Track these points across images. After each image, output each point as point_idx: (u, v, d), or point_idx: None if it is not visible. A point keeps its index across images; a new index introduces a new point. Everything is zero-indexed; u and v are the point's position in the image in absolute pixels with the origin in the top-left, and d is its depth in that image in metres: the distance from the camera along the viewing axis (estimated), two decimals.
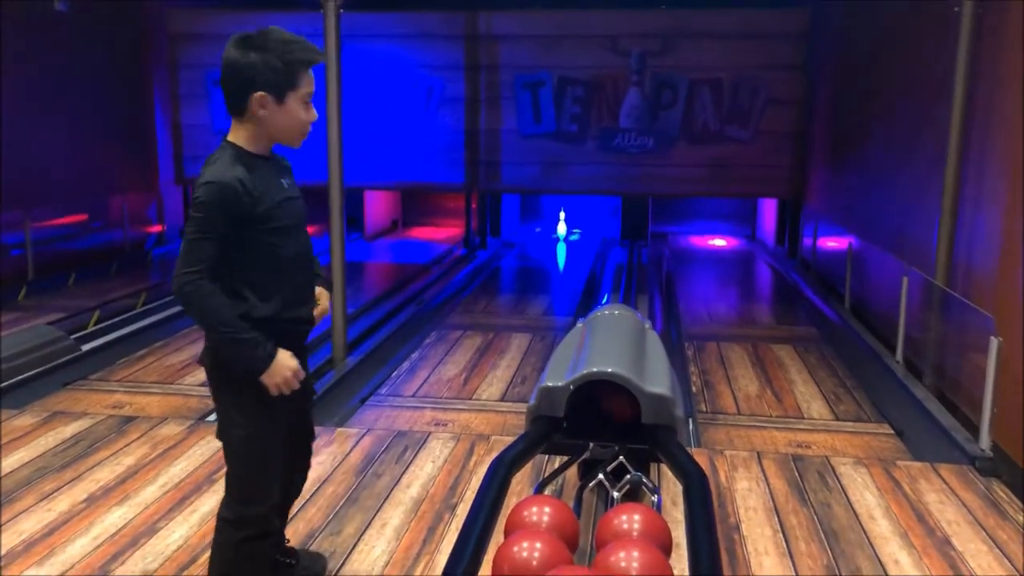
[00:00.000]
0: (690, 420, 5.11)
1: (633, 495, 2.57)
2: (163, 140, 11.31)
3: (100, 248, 9.89)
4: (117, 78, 10.41)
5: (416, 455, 4.55)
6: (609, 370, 2.53)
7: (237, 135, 2.45)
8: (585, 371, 2.55)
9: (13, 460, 4.44)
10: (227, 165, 2.37)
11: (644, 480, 2.37)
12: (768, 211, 12.14)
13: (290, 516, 3.80)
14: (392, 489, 4.13)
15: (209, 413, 5.20)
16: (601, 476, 2.42)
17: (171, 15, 10.87)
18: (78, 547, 3.56)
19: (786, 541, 3.68)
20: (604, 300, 8.44)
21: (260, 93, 2.38)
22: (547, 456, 4.05)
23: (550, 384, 2.60)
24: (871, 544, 3.67)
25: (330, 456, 4.51)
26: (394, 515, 3.87)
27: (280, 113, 2.43)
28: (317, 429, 4.81)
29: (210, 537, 3.61)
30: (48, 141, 8.99)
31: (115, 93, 10.38)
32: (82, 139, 9.61)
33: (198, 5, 11.22)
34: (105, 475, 4.25)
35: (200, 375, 5.93)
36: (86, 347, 6.43)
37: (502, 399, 5.58)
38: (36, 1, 8.73)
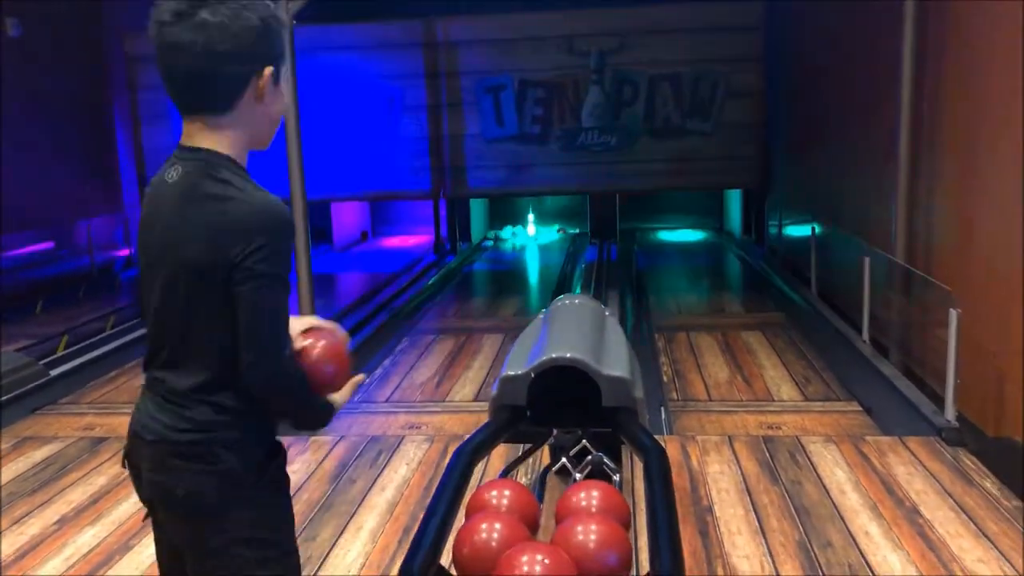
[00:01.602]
0: (662, 408, 5.15)
1: (597, 477, 2.61)
2: (126, 163, 11.24)
3: (68, 274, 9.81)
4: (77, 102, 10.34)
5: (390, 459, 4.56)
6: (568, 355, 2.56)
7: (222, 140, 1.72)
8: (544, 357, 2.58)
9: None
10: (256, 186, 1.72)
11: (605, 460, 2.40)
12: (734, 203, 12.25)
13: None
14: (367, 493, 4.14)
15: None
16: (564, 460, 2.45)
17: (127, 37, 10.79)
18: (50, 568, 3.54)
19: (758, 519, 3.72)
20: None
21: (269, 69, 1.72)
22: (522, 446, 4.08)
23: (511, 373, 2.62)
24: (841, 518, 3.72)
25: (304, 464, 4.51)
26: (369, 518, 3.88)
27: (278, 97, 1.78)
28: (290, 439, 4.82)
29: None
30: (9, 169, 8.92)
31: (76, 118, 10.31)
32: (44, 166, 9.54)
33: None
34: (77, 496, 4.23)
35: None
36: (55, 372, 6.37)
37: (475, 399, 5.60)
38: None
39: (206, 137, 1.71)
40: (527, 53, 10.38)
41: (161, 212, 1.72)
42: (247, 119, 1.74)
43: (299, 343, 1.77)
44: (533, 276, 10.82)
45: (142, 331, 7.45)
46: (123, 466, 1.85)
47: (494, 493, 1.99)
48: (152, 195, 1.77)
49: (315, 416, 1.82)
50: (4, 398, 5.68)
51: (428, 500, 3.99)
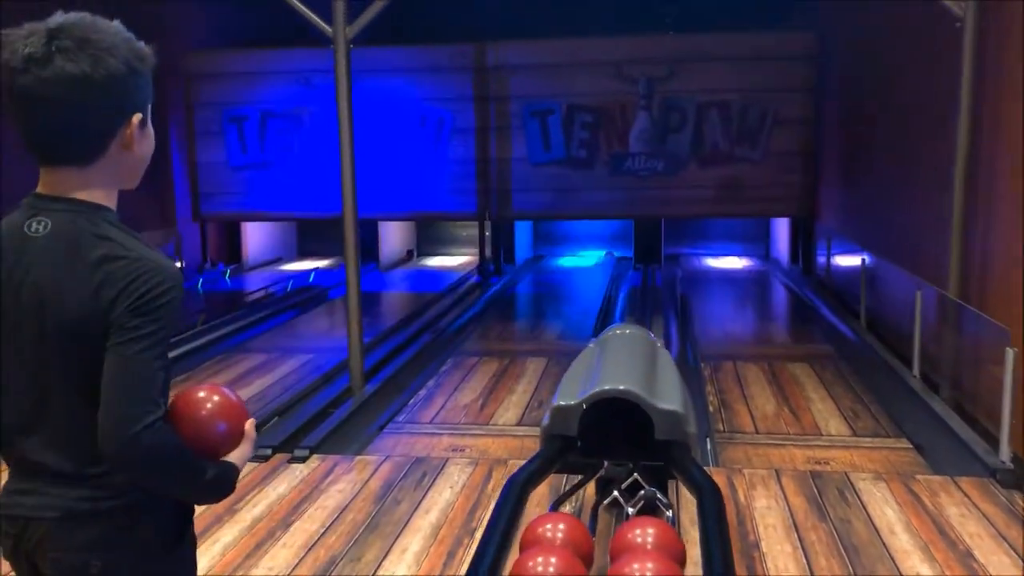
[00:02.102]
0: (708, 439, 5.11)
1: (649, 512, 2.59)
2: (179, 178, 11.48)
3: None
4: None
5: (434, 481, 4.58)
6: (621, 387, 2.56)
7: (92, 189, 1.59)
8: (597, 389, 2.58)
9: None
10: (138, 241, 1.59)
11: (658, 496, 2.39)
12: (781, 230, 12.14)
13: (311, 544, 3.85)
14: (411, 515, 4.16)
15: None
16: (616, 493, 2.45)
17: (186, 56, 11.08)
18: None
19: (806, 557, 3.67)
20: (619, 322, 8.46)
21: (138, 115, 1.60)
22: (566, 476, 4.07)
23: (562, 403, 2.63)
24: (892, 558, 3.66)
25: (350, 484, 4.54)
26: (414, 541, 3.90)
27: (146, 139, 1.66)
28: (336, 457, 4.87)
29: (231, 568, 3.66)
30: None
31: None
32: None
33: (211, 45, 11.43)
34: None
35: None
36: None
37: (519, 423, 5.60)
38: None
39: (73, 187, 1.57)
40: (576, 78, 10.45)
41: (26, 269, 1.55)
42: (115, 167, 1.61)
43: (185, 400, 1.61)
44: (577, 300, 10.81)
45: (195, 343, 7.64)
46: (9, 558, 1.64)
47: (548, 526, 1.99)
48: (7, 248, 1.57)
49: (208, 488, 1.59)
50: None
51: (472, 524, 4.02)
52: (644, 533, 1.96)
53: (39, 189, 1.60)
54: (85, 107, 1.52)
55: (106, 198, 1.60)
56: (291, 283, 11.01)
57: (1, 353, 1.59)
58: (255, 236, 12.56)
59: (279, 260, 13.08)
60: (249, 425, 1.68)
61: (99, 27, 1.55)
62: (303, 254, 13.45)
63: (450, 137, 10.82)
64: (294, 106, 10.96)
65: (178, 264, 11.35)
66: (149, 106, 1.65)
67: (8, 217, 1.61)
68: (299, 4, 5.82)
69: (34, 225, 1.56)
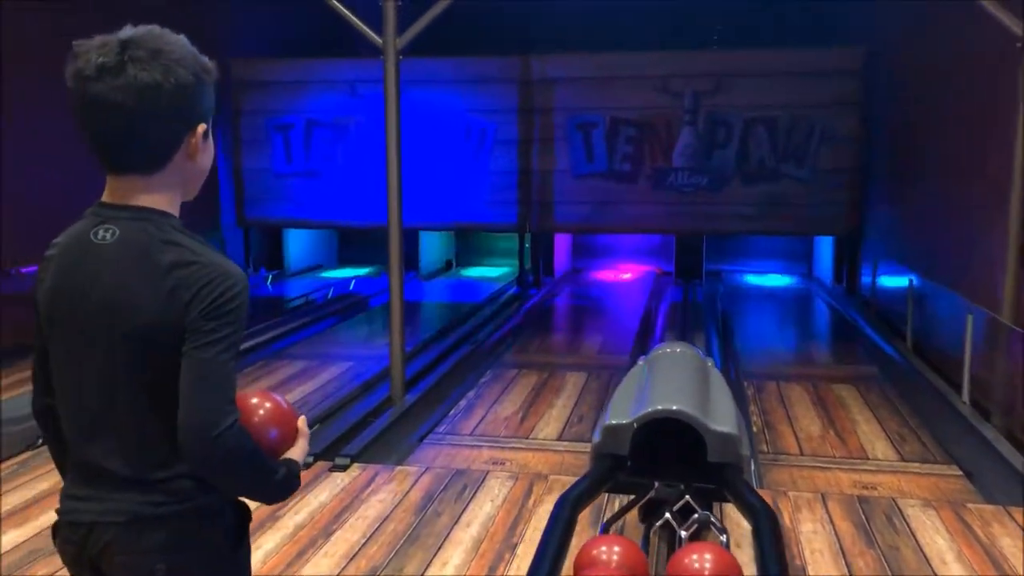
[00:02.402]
0: (751, 460, 5.04)
1: (698, 535, 2.55)
2: (224, 184, 11.62)
3: None
4: None
5: (475, 494, 4.56)
6: (674, 407, 2.53)
7: (157, 197, 1.63)
8: (650, 409, 2.55)
9: None
10: (206, 246, 1.64)
11: (712, 519, 2.36)
12: (824, 249, 11.99)
13: (352, 554, 3.85)
14: (452, 528, 4.15)
15: None
16: (668, 515, 2.41)
17: (235, 64, 11.22)
18: None
19: None
20: (659, 339, 8.39)
21: (203, 126, 1.66)
22: (606, 496, 4.03)
23: (614, 422, 2.60)
24: None
25: (390, 494, 4.54)
26: (455, 554, 3.88)
27: (208, 150, 1.71)
28: (377, 467, 4.87)
29: (274, 574, 3.67)
30: None
31: None
32: None
33: (259, 54, 11.57)
34: None
35: None
36: None
37: (559, 438, 5.57)
38: None
39: (139, 195, 1.61)
40: (621, 92, 10.41)
41: (94, 276, 1.58)
42: (179, 176, 1.65)
43: (240, 405, 1.62)
44: (616, 314, 10.75)
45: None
46: (71, 565, 1.67)
47: (603, 549, 1.97)
48: (72, 255, 1.62)
49: (279, 487, 1.64)
50: None
51: (513, 539, 4.00)
52: (702, 559, 1.92)
53: (104, 198, 1.64)
54: (155, 115, 1.56)
55: (170, 205, 1.64)
56: (332, 290, 11.09)
57: (66, 359, 1.63)
58: (297, 243, 12.68)
59: (320, 267, 13.18)
60: (302, 422, 1.74)
61: (169, 39, 1.60)
62: (343, 261, 13.54)
63: (493, 148, 10.84)
64: (339, 115, 11.05)
65: None
66: (211, 118, 1.69)
67: (72, 227, 1.65)
68: (351, 16, 5.87)
69: (101, 232, 1.59)
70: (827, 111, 9.96)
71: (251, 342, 8.03)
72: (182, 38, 1.63)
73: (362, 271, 12.53)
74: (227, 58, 11.20)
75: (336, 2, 5.89)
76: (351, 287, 11.44)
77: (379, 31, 5.82)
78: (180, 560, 1.61)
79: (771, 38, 11.14)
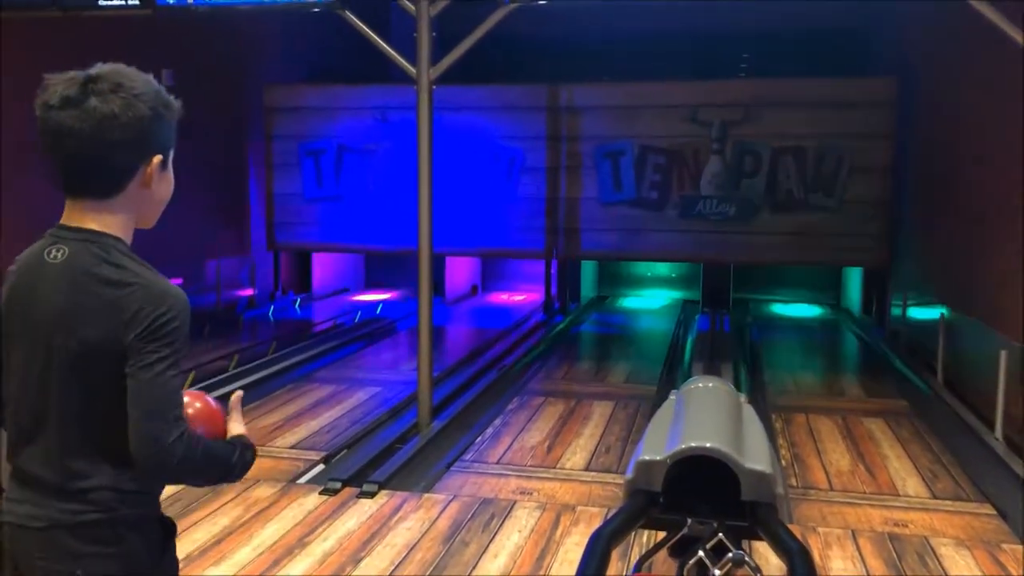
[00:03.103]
0: (786, 499, 4.99)
1: (731, 574, 2.54)
2: (255, 207, 11.76)
3: (194, 310, 10.21)
4: (218, 149, 10.92)
5: (502, 524, 4.56)
6: (708, 445, 2.52)
7: (109, 222, 1.72)
8: (683, 445, 2.54)
9: None
10: (148, 269, 1.72)
11: (747, 559, 2.34)
12: (853, 279, 11.92)
13: None
14: (479, 558, 4.14)
15: (300, 475, 5.31)
16: (701, 553, 2.40)
17: (268, 90, 11.39)
18: None
19: None
20: (687, 368, 8.36)
21: (158, 157, 1.75)
22: (634, 532, 4.01)
23: (647, 458, 2.59)
24: None
25: (418, 522, 4.54)
26: None
27: (165, 181, 1.80)
28: (404, 494, 4.88)
29: None
30: None
31: (216, 164, 10.88)
32: (183, 206, 10.05)
33: (291, 80, 11.74)
34: (202, 535, 4.36)
35: (292, 437, 6.07)
36: None
37: (586, 468, 5.55)
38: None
39: (92, 218, 1.72)
40: (649, 120, 10.45)
41: (41, 292, 1.69)
42: (133, 203, 1.75)
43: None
44: (643, 342, 10.72)
45: (264, 372, 7.77)
46: (3, 564, 1.76)
47: None
48: (26, 272, 1.73)
49: (239, 466, 1.77)
50: None
51: (541, 572, 3.98)
52: None
53: (62, 220, 1.75)
54: (110, 143, 1.67)
55: (122, 230, 1.75)
56: (359, 314, 11.15)
57: (13, 370, 1.74)
58: (324, 266, 12.79)
59: (346, 290, 13.27)
60: (234, 398, 1.91)
61: (132, 76, 1.71)
62: (370, 285, 13.63)
63: (520, 175, 10.90)
64: (370, 141, 11.17)
65: (250, 291, 11.59)
66: (171, 152, 1.80)
67: (32, 246, 1.77)
68: (386, 47, 5.96)
69: (53, 252, 1.71)
70: (857, 141, 9.92)
71: (279, 365, 8.10)
72: (147, 77, 1.74)
73: (388, 295, 12.60)
74: (261, 84, 11.40)
75: (371, 32, 5.97)
76: (378, 311, 11.50)
77: (411, 60, 5.90)
78: (98, 569, 1.67)
79: (801, 67, 11.14)
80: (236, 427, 1.85)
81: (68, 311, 1.66)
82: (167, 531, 1.81)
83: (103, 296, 1.65)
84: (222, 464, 1.74)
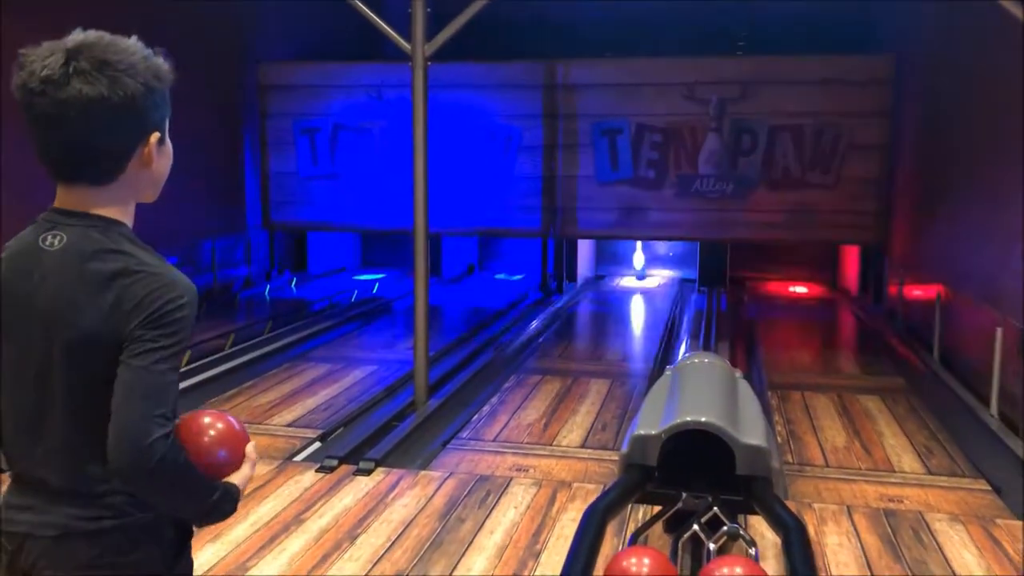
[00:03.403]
0: (782, 474, 5.01)
1: (726, 547, 2.54)
2: (250, 186, 11.72)
3: None
4: (212, 128, 10.86)
5: (498, 500, 4.57)
6: (703, 419, 2.52)
7: (109, 206, 1.60)
8: (678, 420, 2.54)
9: None
10: (153, 255, 1.60)
11: (741, 532, 2.35)
12: (850, 258, 11.91)
13: (377, 559, 3.87)
14: (475, 534, 4.15)
15: (296, 453, 5.31)
16: (696, 527, 2.40)
17: (262, 68, 11.32)
18: None
19: None
20: (683, 346, 8.37)
21: (156, 134, 1.61)
22: (630, 506, 4.02)
23: (642, 432, 2.60)
24: None
25: (414, 499, 4.55)
26: (478, 560, 3.89)
27: (164, 155, 1.67)
28: (400, 471, 4.89)
29: None
30: None
31: (210, 142, 10.82)
32: (177, 185, 9.98)
33: (286, 58, 11.66)
34: None
35: (288, 415, 6.08)
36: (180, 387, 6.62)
37: (583, 446, 5.56)
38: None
39: (89, 203, 1.58)
40: (646, 98, 10.39)
41: (38, 282, 1.55)
42: (133, 184, 1.61)
43: (188, 426, 1.60)
44: (639, 321, 10.73)
45: (260, 351, 7.77)
46: (5, 573, 1.62)
47: (633, 560, 1.96)
48: (19, 260, 1.58)
49: (213, 508, 1.56)
50: None
51: (537, 547, 4.00)
52: (733, 573, 1.92)
53: (56, 204, 1.61)
54: (102, 129, 1.53)
55: (123, 214, 1.62)
56: (355, 293, 11.14)
57: (6, 365, 1.59)
58: (319, 245, 12.76)
59: (343, 269, 13.25)
60: (250, 448, 1.67)
61: (118, 47, 1.54)
62: (366, 264, 13.61)
63: (517, 154, 10.86)
64: (365, 119, 11.11)
65: (245, 270, 11.57)
66: (167, 122, 1.66)
67: (24, 231, 1.62)
68: (380, 22, 5.91)
69: (48, 239, 1.57)
70: (854, 119, 9.89)
71: (276, 344, 8.09)
72: (133, 42, 1.57)
73: (384, 274, 12.59)
74: (255, 62, 11.32)
75: (366, 8, 5.92)
76: (374, 290, 11.49)
77: (406, 36, 5.85)
78: None
79: (798, 45, 11.07)
80: (238, 476, 1.64)
81: (70, 302, 1.52)
82: (182, 535, 1.67)
83: (107, 285, 1.51)
84: (198, 492, 1.54)
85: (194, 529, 1.72)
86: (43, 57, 1.50)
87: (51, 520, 1.55)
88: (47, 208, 1.62)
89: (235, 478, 1.63)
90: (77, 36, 1.54)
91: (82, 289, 1.52)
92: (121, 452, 1.46)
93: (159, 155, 1.64)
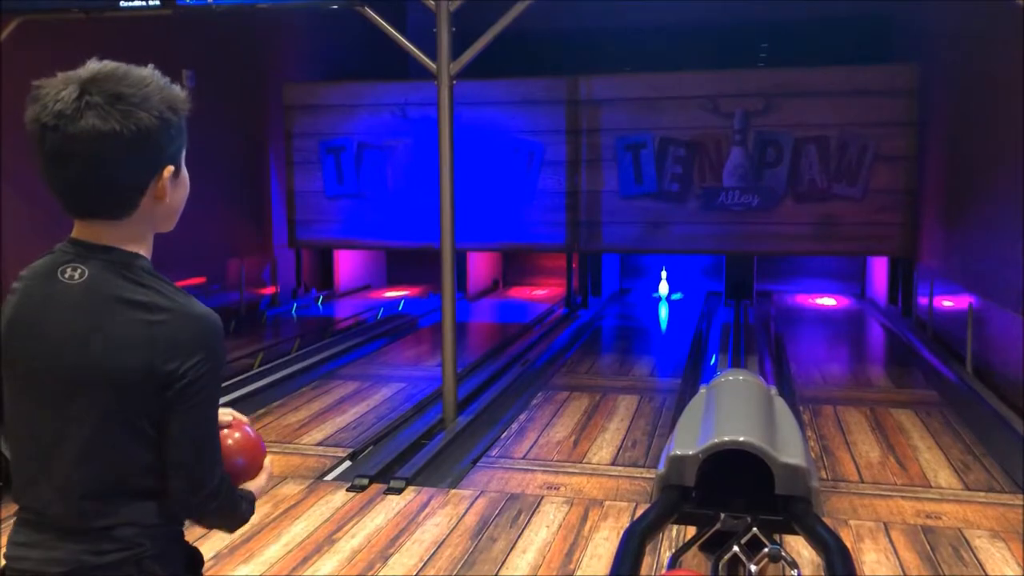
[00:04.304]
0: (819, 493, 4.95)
1: (766, 568, 2.51)
2: (276, 205, 11.81)
3: (218, 309, 10.27)
4: (238, 148, 10.97)
5: (530, 519, 4.55)
6: (741, 439, 2.49)
7: (126, 239, 1.60)
8: (716, 440, 2.52)
9: None
10: (174, 287, 1.61)
11: (783, 554, 2.31)
12: (878, 269, 11.79)
13: None
14: (508, 554, 4.13)
15: (327, 472, 5.32)
16: (736, 548, 2.37)
17: (287, 88, 11.43)
18: None
19: None
20: (712, 361, 8.31)
21: (170, 168, 1.60)
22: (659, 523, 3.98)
23: (679, 452, 2.57)
24: None
25: (446, 518, 4.54)
26: None
27: (180, 187, 1.66)
28: (431, 490, 4.88)
29: None
30: None
31: (236, 163, 10.92)
32: (205, 205, 10.10)
33: (310, 78, 11.77)
34: (227, 534, 4.38)
35: (318, 434, 6.09)
36: None
37: (613, 463, 5.53)
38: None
39: (106, 236, 1.57)
40: (669, 112, 10.38)
41: (56, 315, 1.54)
42: (148, 217, 1.61)
43: None
44: (666, 335, 10.68)
45: (289, 370, 7.80)
46: None
47: None
48: (35, 292, 1.57)
49: (240, 518, 1.69)
50: None
51: (571, 566, 3.97)
52: None
53: (74, 234, 1.60)
54: (115, 164, 1.51)
55: (141, 246, 1.61)
56: (381, 311, 11.17)
57: (17, 397, 1.58)
58: (346, 263, 12.82)
59: (368, 287, 13.30)
60: (267, 460, 1.80)
61: (132, 79, 1.53)
62: (392, 282, 13.65)
63: (540, 169, 10.87)
64: (389, 138, 11.18)
65: (272, 289, 11.64)
66: (183, 152, 1.64)
67: (40, 261, 1.61)
68: (406, 42, 5.95)
69: (68, 271, 1.56)
70: (880, 130, 9.82)
71: (304, 363, 8.13)
72: (149, 72, 1.56)
73: (410, 291, 12.62)
74: (280, 82, 11.43)
75: (391, 28, 5.97)
76: (400, 307, 11.52)
77: (430, 54, 5.89)
78: None
79: (821, 56, 11.03)
80: (254, 484, 1.75)
81: (92, 337, 1.51)
82: (192, 560, 1.68)
83: (133, 321, 1.52)
84: (236, 512, 1.67)
85: (204, 559, 1.76)
86: (57, 90, 1.50)
87: (59, 556, 1.54)
88: (55, 222, 1.67)
89: (252, 486, 1.74)
90: (92, 67, 1.53)
91: (104, 324, 1.52)
92: (189, 500, 1.58)
93: (173, 188, 1.62)
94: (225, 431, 1.72)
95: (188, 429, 1.54)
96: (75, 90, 1.49)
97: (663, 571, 2.80)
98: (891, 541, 4.25)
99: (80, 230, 1.59)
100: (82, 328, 1.52)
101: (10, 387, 1.59)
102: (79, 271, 1.55)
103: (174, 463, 1.55)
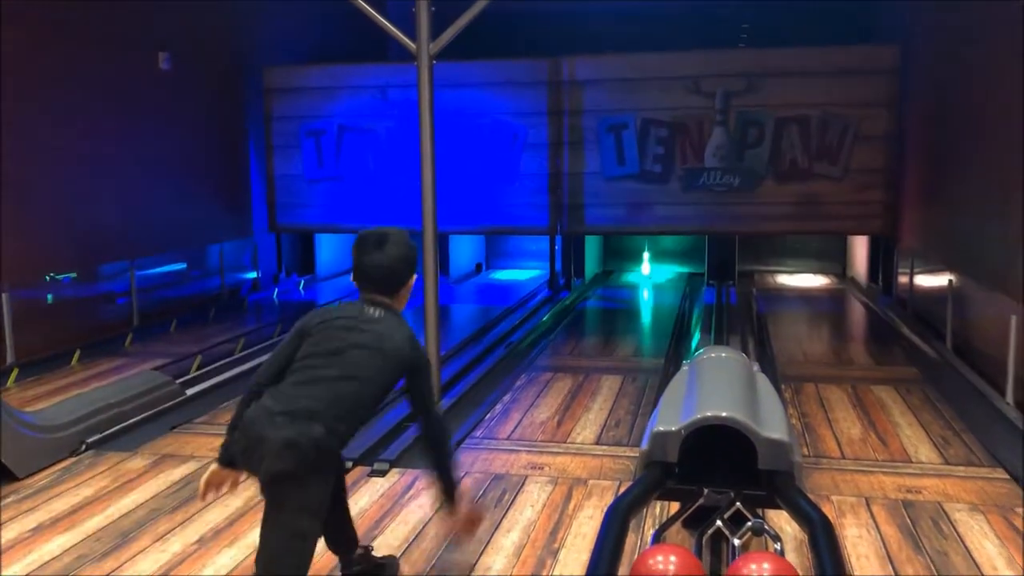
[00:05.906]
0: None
1: (750, 542, 2.53)
2: (256, 190, 11.72)
3: (199, 295, 10.25)
4: (216, 132, 10.87)
5: (514, 499, 4.55)
6: (724, 414, 2.50)
7: (393, 304, 3.16)
8: (699, 416, 2.52)
9: (128, 501, 4.61)
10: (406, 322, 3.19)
11: (766, 527, 2.32)
12: (859, 249, 11.86)
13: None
14: (493, 534, 4.14)
15: None
16: (719, 523, 2.38)
17: (267, 71, 11.32)
18: None
19: None
20: (695, 341, 8.34)
21: (414, 276, 3.21)
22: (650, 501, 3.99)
23: (662, 429, 2.58)
24: None
25: (430, 499, 4.53)
26: (497, 560, 3.87)
27: (409, 288, 3.26)
28: (415, 471, 4.87)
29: None
30: (151, 193, 9.42)
31: (214, 146, 10.83)
32: (183, 190, 10.02)
33: (289, 61, 11.66)
34: (214, 517, 4.37)
35: None
36: (190, 391, 6.64)
37: (597, 442, 5.54)
38: (142, 61, 9.16)
39: (384, 300, 3.14)
40: (651, 93, 10.37)
41: (365, 326, 3.03)
42: (401, 297, 3.20)
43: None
44: (649, 316, 10.71)
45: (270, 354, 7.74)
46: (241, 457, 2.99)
47: (660, 558, 1.94)
48: (348, 313, 3.07)
49: (455, 480, 3.29)
50: (145, 415, 5.96)
51: (555, 545, 3.98)
52: (760, 569, 1.90)
53: (366, 295, 3.15)
54: (396, 270, 3.14)
55: (397, 306, 3.19)
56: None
57: (312, 353, 3.00)
58: (327, 247, 12.75)
59: (350, 271, 13.22)
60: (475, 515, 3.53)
61: (403, 233, 3.19)
62: None
63: (523, 151, 10.84)
64: (370, 120, 11.10)
65: (253, 274, 11.56)
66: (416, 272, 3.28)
67: (350, 301, 3.15)
68: (385, 22, 5.89)
69: (370, 310, 3.10)
70: (861, 110, 9.85)
71: None
72: (405, 233, 3.21)
73: None
74: (259, 65, 11.31)
75: (370, 9, 5.91)
76: None
77: (410, 35, 5.84)
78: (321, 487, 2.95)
79: (803, 36, 11.04)
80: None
81: (387, 339, 3.02)
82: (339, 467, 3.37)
83: (397, 338, 3.05)
84: (450, 448, 3.24)
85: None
86: (374, 235, 3.16)
87: (301, 434, 2.83)
88: None
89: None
90: (385, 228, 3.20)
91: (391, 335, 3.04)
92: (431, 417, 3.24)
93: (409, 285, 3.23)
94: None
95: (419, 388, 3.20)
96: (383, 236, 3.26)
97: (647, 547, 2.81)
98: (872, 516, 4.28)
99: (370, 295, 3.18)
100: (381, 334, 3.07)
101: (314, 347, 3.05)
102: (377, 312, 3.13)
103: (419, 401, 3.24)
